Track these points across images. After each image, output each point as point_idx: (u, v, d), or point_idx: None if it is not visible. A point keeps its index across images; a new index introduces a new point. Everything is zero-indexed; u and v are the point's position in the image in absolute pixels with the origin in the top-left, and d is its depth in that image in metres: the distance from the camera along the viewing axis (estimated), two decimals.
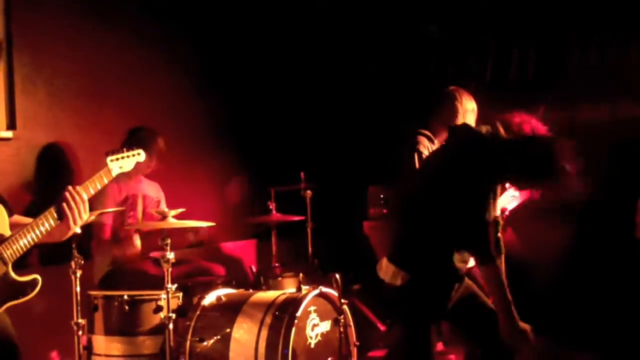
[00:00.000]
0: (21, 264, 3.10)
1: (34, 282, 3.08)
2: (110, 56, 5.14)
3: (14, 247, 2.98)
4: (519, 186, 3.61)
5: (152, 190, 4.92)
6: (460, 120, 4.25)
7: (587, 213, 5.18)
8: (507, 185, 3.60)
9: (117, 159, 3.30)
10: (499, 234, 3.54)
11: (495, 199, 3.31)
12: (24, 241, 3.00)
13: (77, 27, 4.95)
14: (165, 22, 5.54)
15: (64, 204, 3.06)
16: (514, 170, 3.35)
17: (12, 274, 3.01)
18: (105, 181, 3.24)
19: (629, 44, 5.52)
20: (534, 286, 5.09)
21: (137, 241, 4.73)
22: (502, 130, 3.42)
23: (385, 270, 3.43)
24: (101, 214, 4.26)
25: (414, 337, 3.42)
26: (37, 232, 3.02)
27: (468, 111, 4.34)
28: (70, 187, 3.10)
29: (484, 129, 3.54)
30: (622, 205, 4.96)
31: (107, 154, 3.29)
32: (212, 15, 5.93)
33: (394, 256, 3.44)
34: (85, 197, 3.11)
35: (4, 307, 3.02)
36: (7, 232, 3.03)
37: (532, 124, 3.46)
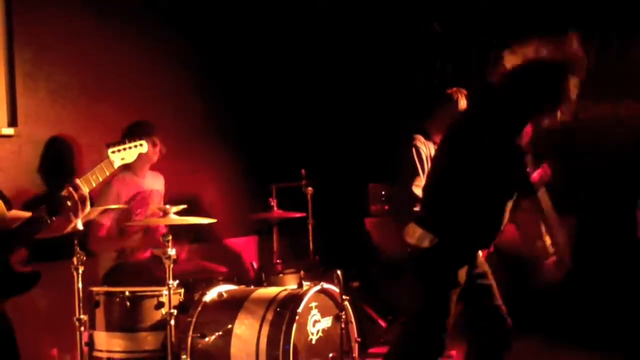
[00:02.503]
0: (23, 259, 3.11)
1: (35, 275, 3.08)
2: (112, 53, 5.14)
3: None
4: (540, 115, 3.56)
5: (157, 183, 4.87)
6: None
7: (588, 212, 5.18)
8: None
9: (119, 150, 3.26)
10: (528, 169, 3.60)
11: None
12: (25, 235, 3.00)
13: (78, 24, 4.94)
14: (167, 19, 5.55)
15: (65, 198, 3.05)
16: (528, 92, 3.40)
17: (14, 267, 3.01)
18: (107, 173, 3.20)
19: (629, 44, 5.53)
20: (533, 284, 5.10)
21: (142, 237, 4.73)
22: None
23: (412, 233, 3.49)
24: (104, 211, 4.24)
25: (435, 299, 3.46)
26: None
27: None
28: (71, 181, 3.09)
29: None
30: (623, 204, 4.97)
31: (108, 146, 3.25)
32: (212, 13, 5.93)
33: (422, 219, 3.50)
34: (86, 190, 3.10)
35: (7, 300, 3.02)
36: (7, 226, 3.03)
37: None
